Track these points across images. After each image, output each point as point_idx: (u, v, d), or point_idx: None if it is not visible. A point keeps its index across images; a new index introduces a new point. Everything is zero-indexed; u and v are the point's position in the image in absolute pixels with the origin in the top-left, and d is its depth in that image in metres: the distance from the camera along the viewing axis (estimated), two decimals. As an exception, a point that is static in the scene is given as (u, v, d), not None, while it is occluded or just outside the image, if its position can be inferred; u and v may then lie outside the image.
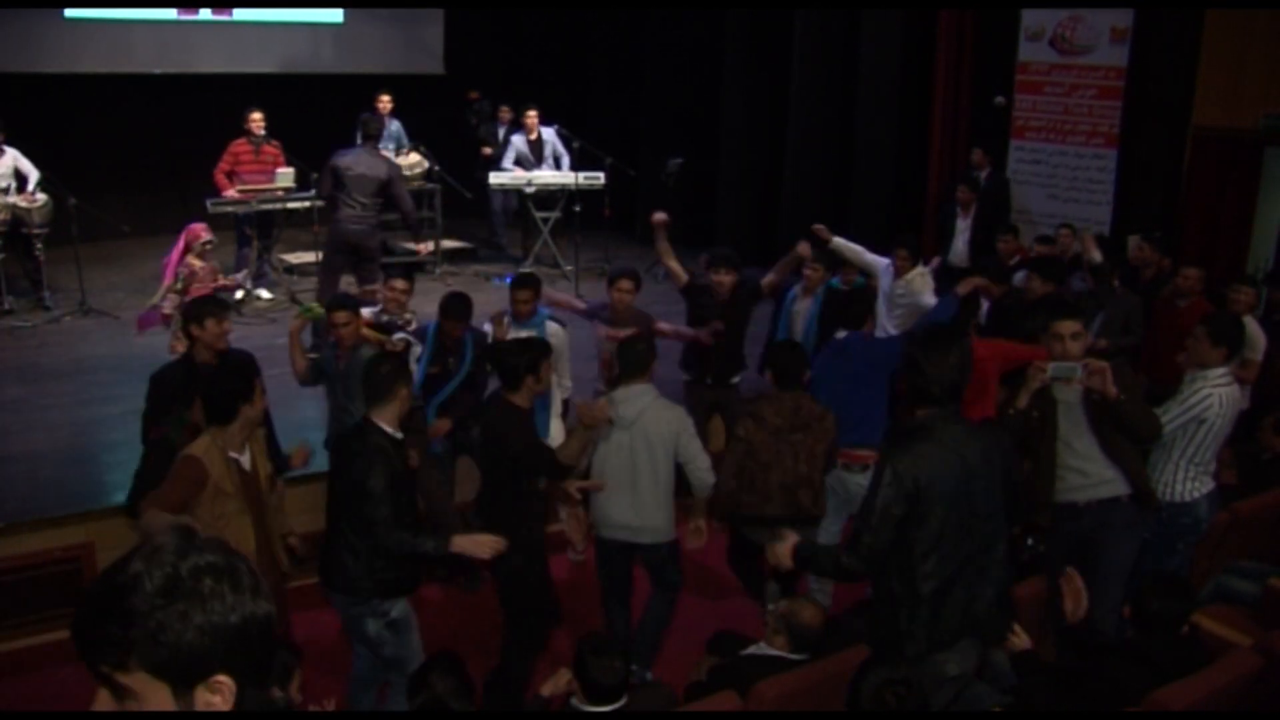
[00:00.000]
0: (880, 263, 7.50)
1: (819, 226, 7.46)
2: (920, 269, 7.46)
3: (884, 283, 7.44)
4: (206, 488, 4.18)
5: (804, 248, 6.86)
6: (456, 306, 6.11)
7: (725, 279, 6.61)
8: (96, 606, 1.46)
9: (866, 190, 11.06)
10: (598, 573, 5.35)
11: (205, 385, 4.49)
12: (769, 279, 6.95)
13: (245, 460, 4.39)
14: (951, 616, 3.71)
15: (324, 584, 4.57)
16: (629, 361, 5.08)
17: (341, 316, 5.67)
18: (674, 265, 6.89)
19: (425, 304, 10.01)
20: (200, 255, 7.49)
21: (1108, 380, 4.48)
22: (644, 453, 4.99)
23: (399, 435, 4.44)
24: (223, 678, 1.48)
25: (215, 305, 5.49)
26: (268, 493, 4.53)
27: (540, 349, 4.88)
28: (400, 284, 6.38)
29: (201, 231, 7.56)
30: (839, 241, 7.44)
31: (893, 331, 7.17)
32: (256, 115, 9.67)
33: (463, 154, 11.50)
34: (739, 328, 6.78)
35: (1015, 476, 3.99)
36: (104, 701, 1.48)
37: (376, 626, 4.49)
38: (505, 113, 11.91)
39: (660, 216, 7.03)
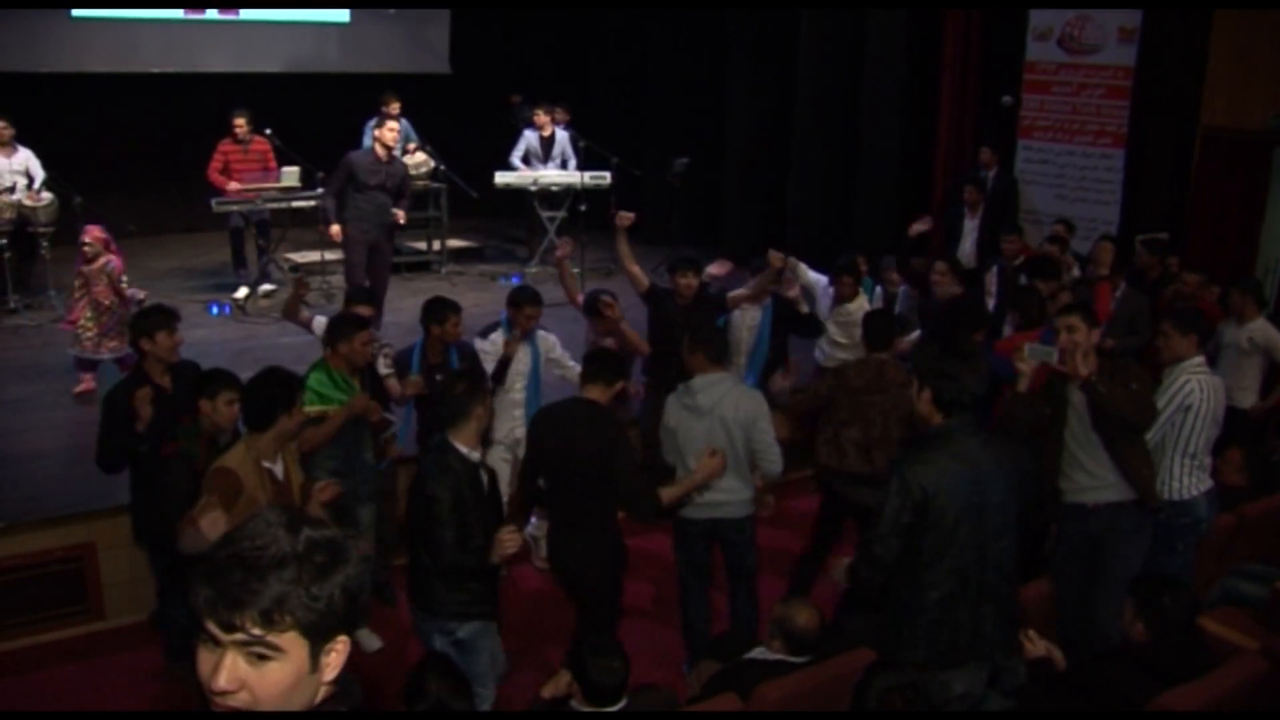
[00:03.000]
0: (819, 282, 7.36)
1: (775, 254, 6.97)
2: (864, 301, 7.27)
3: (823, 303, 7.31)
4: (241, 499, 4.11)
5: (776, 257, 6.76)
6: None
7: (690, 281, 6.56)
8: (245, 575, 1.53)
9: (872, 190, 11.01)
10: (676, 564, 5.40)
11: (245, 391, 4.48)
12: (740, 294, 6.80)
13: (279, 470, 4.34)
14: (960, 636, 3.68)
15: (408, 598, 4.55)
16: (715, 351, 5.18)
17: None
18: (634, 270, 6.76)
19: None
20: (86, 257, 7.39)
21: (1076, 360, 4.53)
22: (722, 436, 5.00)
23: (475, 456, 4.35)
24: (344, 638, 1.62)
25: (165, 317, 5.25)
26: (299, 502, 4.40)
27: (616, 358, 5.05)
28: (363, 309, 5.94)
29: (85, 234, 7.47)
30: (792, 260, 7.15)
31: (831, 352, 7.16)
32: (240, 120, 9.65)
33: (468, 153, 11.47)
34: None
35: (1031, 487, 3.95)
36: (233, 670, 1.54)
37: (442, 643, 4.41)
38: (560, 114, 11.74)
39: (625, 216, 6.94)
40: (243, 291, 9.82)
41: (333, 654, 1.62)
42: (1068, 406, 4.79)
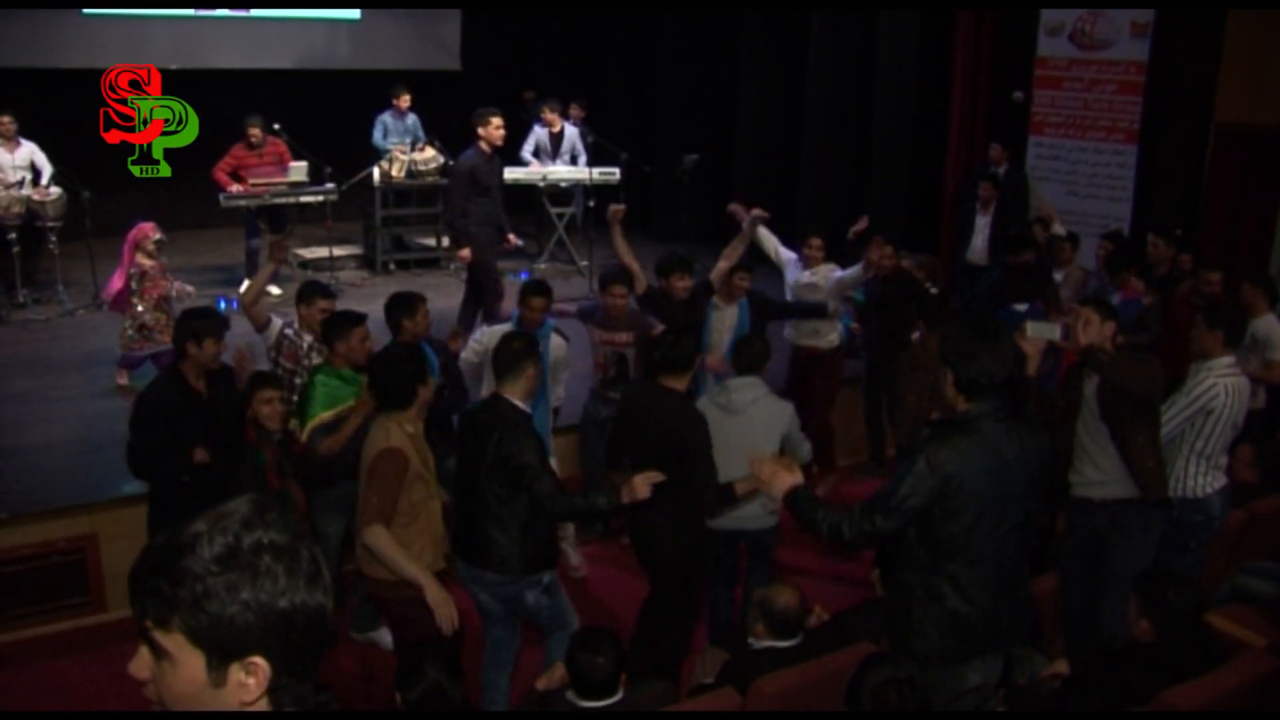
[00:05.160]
0: (788, 258, 7.32)
1: (756, 211, 7.00)
2: (830, 265, 7.26)
3: (789, 275, 7.29)
4: (408, 476, 4.27)
5: (738, 210, 6.79)
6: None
7: (685, 284, 6.48)
8: (153, 560, 1.46)
9: (883, 187, 10.96)
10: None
11: (373, 374, 4.56)
12: (721, 266, 6.67)
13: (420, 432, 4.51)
14: (975, 629, 3.62)
15: (470, 563, 4.54)
16: (746, 358, 5.37)
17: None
18: (634, 267, 6.54)
19: (438, 299, 10.03)
20: (149, 254, 7.42)
21: (1078, 330, 4.53)
22: (748, 440, 5.01)
23: (529, 411, 4.51)
24: (258, 660, 1.46)
25: (217, 323, 5.21)
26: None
27: (690, 338, 5.07)
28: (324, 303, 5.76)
29: (150, 230, 7.51)
30: (763, 231, 7.15)
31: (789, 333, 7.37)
32: (254, 131, 9.62)
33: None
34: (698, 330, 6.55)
35: (1049, 479, 3.90)
36: (143, 659, 1.48)
37: (535, 595, 4.57)
38: (575, 110, 11.72)
39: (616, 208, 6.80)
40: (246, 286, 9.82)
41: (247, 676, 1.47)
42: (1081, 399, 4.74)
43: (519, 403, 4.47)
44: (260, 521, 1.47)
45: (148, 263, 7.41)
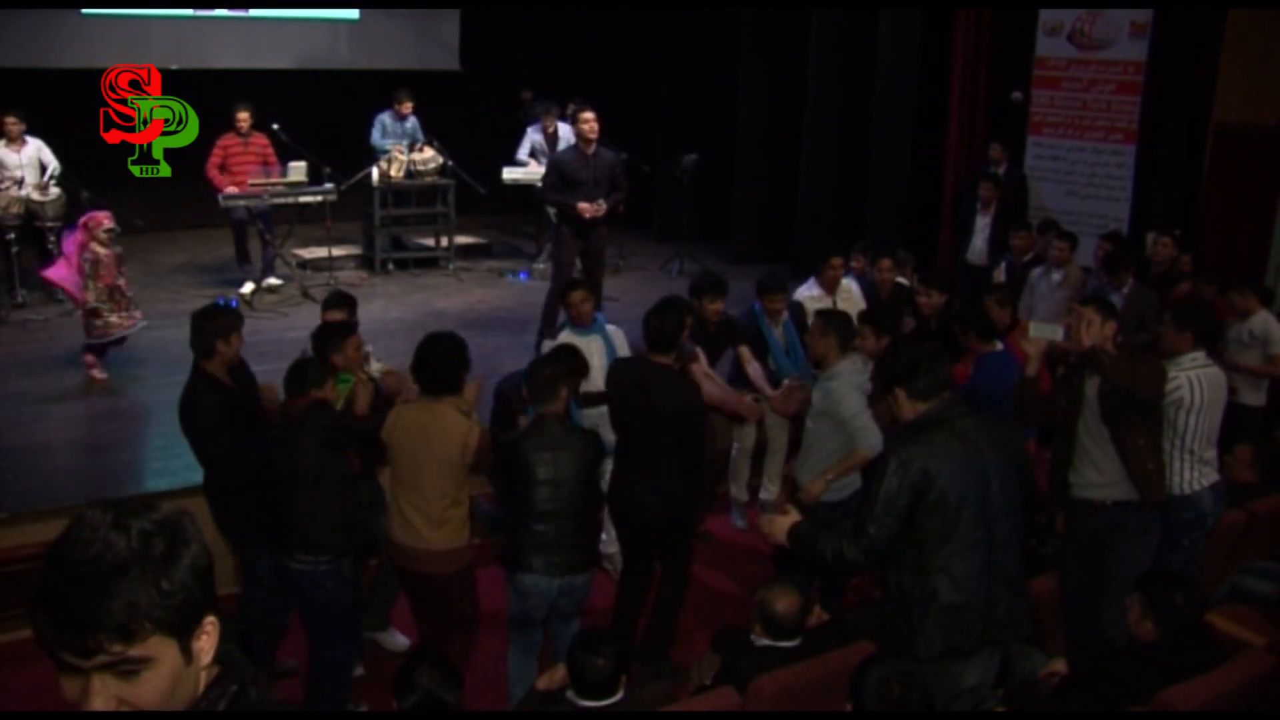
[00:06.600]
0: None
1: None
2: (850, 280, 7.03)
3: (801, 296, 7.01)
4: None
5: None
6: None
7: (719, 307, 6.28)
8: (86, 595, 1.42)
9: (882, 187, 10.96)
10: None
11: (424, 357, 4.63)
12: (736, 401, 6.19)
13: None
14: (973, 621, 3.62)
15: (565, 574, 4.56)
16: (838, 337, 5.31)
17: None
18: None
19: (437, 298, 10.06)
20: (103, 243, 7.44)
21: (1080, 330, 4.50)
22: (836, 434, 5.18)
23: (569, 414, 4.74)
24: (210, 618, 1.54)
25: (237, 318, 5.20)
26: None
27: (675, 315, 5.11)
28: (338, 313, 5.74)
29: (104, 219, 7.53)
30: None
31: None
32: (243, 114, 9.60)
33: (477, 150, 11.47)
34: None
35: (1029, 473, 3.91)
36: (105, 696, 1.45)
37: (586, 577, 4.72)
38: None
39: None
40: (249, 287, 9.83)
41: (203, 638, 1.54)
42: (1082, 400, 4.75)
43: (560, 412, 4.63)
44: (130, 512, 1.49)
45: (101, 250, 7.42)
